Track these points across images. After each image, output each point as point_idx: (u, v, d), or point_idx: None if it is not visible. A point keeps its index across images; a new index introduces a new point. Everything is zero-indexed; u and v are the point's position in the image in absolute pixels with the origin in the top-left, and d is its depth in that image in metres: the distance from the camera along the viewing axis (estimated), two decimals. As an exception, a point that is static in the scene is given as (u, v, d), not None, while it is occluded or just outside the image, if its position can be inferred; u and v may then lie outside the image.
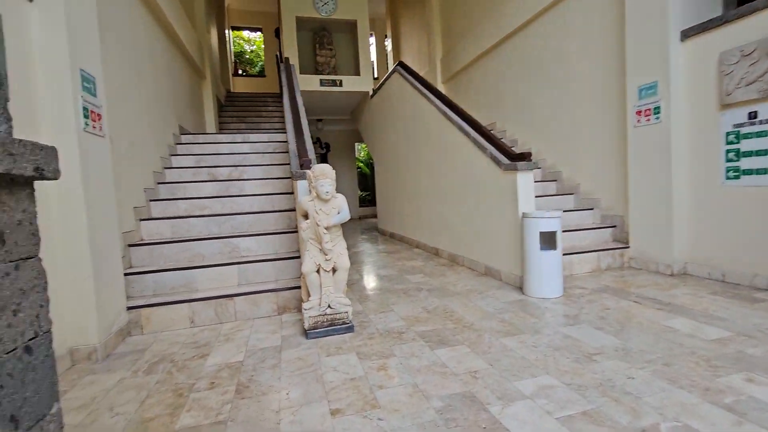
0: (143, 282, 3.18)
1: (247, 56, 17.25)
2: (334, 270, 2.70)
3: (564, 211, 4.45)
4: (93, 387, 2.07)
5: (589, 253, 3.95)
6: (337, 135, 14.00)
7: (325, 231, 2.59)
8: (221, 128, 8.24)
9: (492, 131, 5.54)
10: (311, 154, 3.18)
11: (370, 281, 4.12)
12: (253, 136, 5.87)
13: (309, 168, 2.99)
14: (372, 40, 13.83)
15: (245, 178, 4.82)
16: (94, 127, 2.56)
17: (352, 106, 10.18)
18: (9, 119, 0.83)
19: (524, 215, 3.27)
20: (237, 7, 13.04)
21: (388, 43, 12.32)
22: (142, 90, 4.05)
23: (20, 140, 0.77)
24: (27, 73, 2.21)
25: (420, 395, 1.81)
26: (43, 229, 2.37)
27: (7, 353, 0.74)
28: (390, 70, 11.88)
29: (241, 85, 13.38)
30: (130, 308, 2.88)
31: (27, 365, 0.79)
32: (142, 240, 3.72)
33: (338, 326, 2.64)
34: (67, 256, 2.36)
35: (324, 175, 2.60)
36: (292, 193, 4.46)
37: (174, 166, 4.86)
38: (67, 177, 2.34)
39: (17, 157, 0.76)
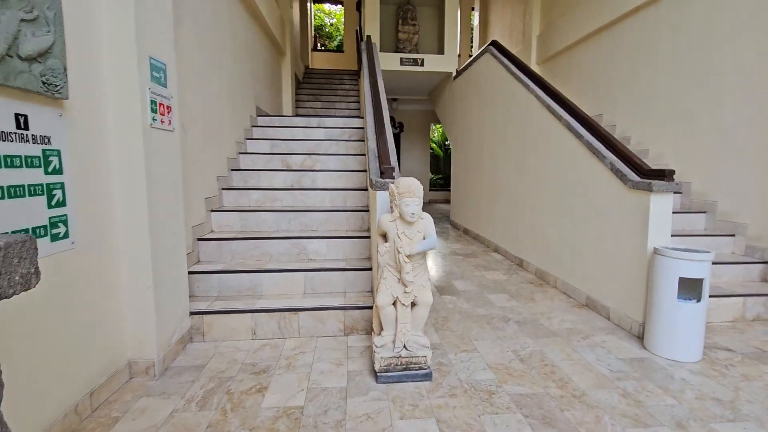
0: (208, 282, 3.02)
1: (327, 30, 17.03)
2: (413, 304, 2.27)
3: (693, 236, 3.57)
4: (142, 420, 1.87)
5: (732, 298, 3.10)
6: (411, 114, 13.41)
7: (406, 260, 2.15)
8: (297, 106, 8.08)
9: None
10: (394, 158, 2.72)
11: (445, 298, 3.66)
12: (328, 121, 5.55)
13: (392, 177, 2.54)
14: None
15: (318, 168, 4.52)
16: (162, 122, 2.33)
17: (431, 86, 9.49)
18: None
19: (656, 251, 2.55)
20: (320, -21, 12.69)
21: (475, 17, 11.25)
22: (221, 71, 3.84)
23: None
24: (94, 63, 1.97)
25: None
26: (105, 234, 2.09)
27: None
28: (477, 47, 10.91)
29: (318, 61, 13.19)
30: (193, 313, 2.72)
31: None
32: (212, 231, 3.59)
33: (414, 371, 2.23)
34: (129, 264, 2.18)
35: (410, 192, 2.14)
36: (366, 189, 4.07)
37: (248, 151, 4.71)
38: (130, 177, 2.12)
39: None
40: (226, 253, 3.32)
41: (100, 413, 1.92)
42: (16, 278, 0.47)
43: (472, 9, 12.15)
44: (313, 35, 13.59)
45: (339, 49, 14.93)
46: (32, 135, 1.59)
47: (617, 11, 5.03)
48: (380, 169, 2.64)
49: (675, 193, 2.67)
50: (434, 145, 16.17)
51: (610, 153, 3.17)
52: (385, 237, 2.32)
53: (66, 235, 1.77)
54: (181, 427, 1.82)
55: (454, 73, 7.84)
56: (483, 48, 6.23)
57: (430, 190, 14.03)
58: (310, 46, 12.13)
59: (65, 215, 1.76)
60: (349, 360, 2.48)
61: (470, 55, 12.99)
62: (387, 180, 2.48)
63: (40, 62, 1.59)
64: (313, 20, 13.74)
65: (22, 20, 1.50)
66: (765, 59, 3.39)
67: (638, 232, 2.83)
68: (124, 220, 2.15)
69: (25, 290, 0.48)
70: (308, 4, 11.44)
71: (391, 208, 2.26)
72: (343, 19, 14.06)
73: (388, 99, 11.99)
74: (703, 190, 4.04)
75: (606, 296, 3.23)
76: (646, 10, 4.65)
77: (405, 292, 2.22)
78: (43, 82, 1.61)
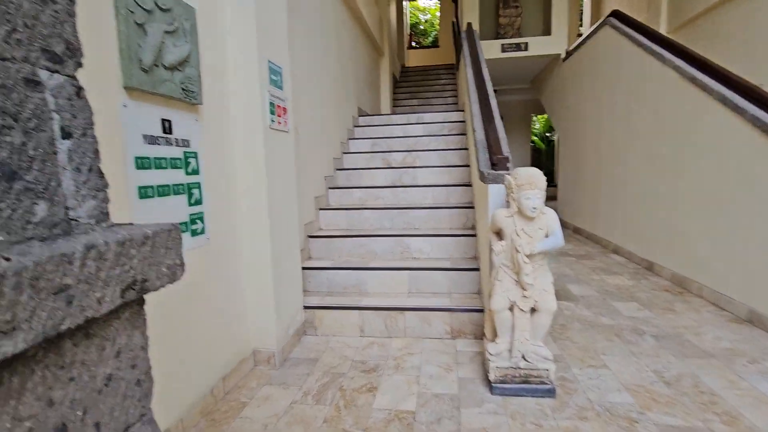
0: (319, 278, 3.13)
1: (422, 27, 16.96)
2: (532, 310, 2.04)
3: None
4: (266, 407, 1.97)
5: None
6: (511, 106, 12.64)
7: (526, 260, 1.93)
8: (395, 105, 8.13)
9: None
10: (506, 148, 2.50)
11: (561, 303, 3.29)
12: (427, 116, 5.45)
13: (506, 169, 2.32)
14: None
15: (418, 165, 4.44)
16: (279, 123, 2.44)
17: (535, 72, 8.80)
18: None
19: None
20: (415, -24, 12.64)
21: (586, -8, 10.12)
22: (327, 74, 3.98)
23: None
24: (221, 70, 2.14)
25: None
26: (232, 230, 2.22)
27: None
28: (589, 24, 9.83)
29: (414, 58, 13.18)
30: (306, 308, 2.83)
31: None
32: (320, 229, 3.73)
33: (534, 386, 2.00)
34: (252, 258, 2.33)
35: (531, 184, 1.92)
36: (469, 185, 3.87)
37: (351, 151, 4.83)
38: (252, 177, 2.26)
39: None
40: (333, 251, 3.42)
41: (230, 397, 2.07)
42: (163, 269, 0.43)
43: (582, -17, 10.98)
44: (408, 33, 13.63)
45: (434, 44, 14.75)
46: (175, 138, 1.76)
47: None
48: (491, 160, 2.44)
49: None
50: (535, 137, 15.09)
51: (788, 132, 2.52)
52: (499, 234, 2.12)
53: (203, 231, 1.93)
54: (299, 419, 1.87)
55: (564, 55, 7.14)
56: (601, 21, 5.53)
57: (531, 185, 13.07)
58: (405, 45, 12.17)
59: (202, 212, 1.93)
60: (458, 366, 2.34)
61: (579, 35, 11.78)
62: (501, 171, 2.28)
63: (180, 70, 1.75)
64: (408, 18, 13.78)
65: (165, 32, 1.66)
66: None
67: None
68: (247, 218, 2.29)
69: (171, 282, 0.44)
70: (404, 2, 11.48)
71: (507, 202, 2.06)
72: (438, 14, 13.85)
73: (485, 91, 11.47)
74: None
75: (781, 312, 2.58)
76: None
77: (524, 296, 2.01)
78: (183, 89, 1.76)
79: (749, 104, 2.83)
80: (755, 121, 2.72)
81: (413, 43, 15.13)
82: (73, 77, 0.43)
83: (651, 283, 3.74)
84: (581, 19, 11.38)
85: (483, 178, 2.37)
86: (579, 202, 6.48)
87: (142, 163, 1.56)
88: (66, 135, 0.41)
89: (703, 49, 5.54)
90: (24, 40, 0.36)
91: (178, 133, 1.77)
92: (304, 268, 3.10)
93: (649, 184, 4.25)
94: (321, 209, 3.76)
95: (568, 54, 6.89)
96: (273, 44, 2.38)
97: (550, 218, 1.97)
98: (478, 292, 2.95)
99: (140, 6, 1.53)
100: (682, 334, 2.64)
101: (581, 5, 11.46)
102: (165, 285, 0.46)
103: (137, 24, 1.52)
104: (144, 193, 1.57)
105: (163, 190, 1.68)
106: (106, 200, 0.44)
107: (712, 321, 2.85)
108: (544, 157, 15.08)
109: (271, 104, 2.35)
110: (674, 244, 3.77)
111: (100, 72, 1.39)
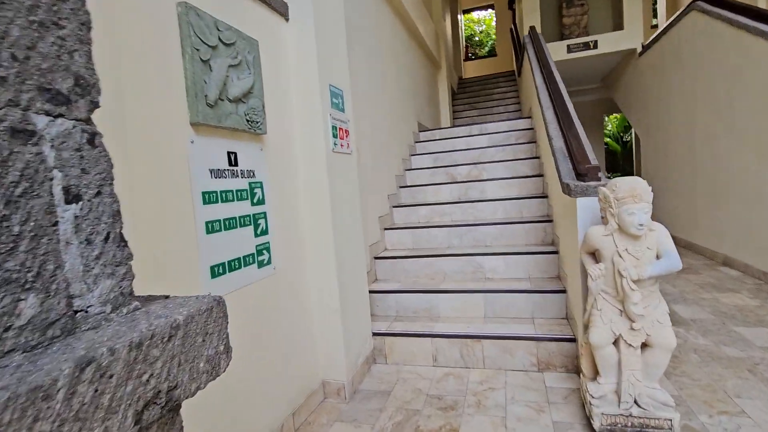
0: (386, 302, 2.99)
1: (477, 38, 16.68)
2: (643, 345, 1.72)
3: None
4: (339, 449, 1.84)
5: None
6: (580, 107, 11.67)
7: (633, 286, 1.63)
8: (454, 117, 7.93)
9: None
10: (593, 156, 2.20)
11: (667, 328, 2.82)
12: (490, 126, 5.18)
13: (597, 179, 2.03)
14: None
15: (485, 178, 4.18)
16: (342, 146, 2.38)
17: (606, 70, 8.12)
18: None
19: None
20: (468, -12, 12.50)
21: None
22: (386, 93, 3.92)
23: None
24: (283, 97, 2.12)
25: None
26: (297, 259, 2.12)
27: None
28: (665, 15, 8.97)
29: (471, 69, 12.92)
30: (375, 334, 2.69)
31: None
32: (386, 249, 3.61)
33: (653, 438, 1.66)
34: (317, 286, 2.25)
35: (636, 196, 1.62)
36: (544, 196, 3.54)
37: (413, 167, 4.70)
38: (316, 202, 2.20)
39: None
40: (399, 272, 3.27)
41: (301, 434, 1.97)
42: (201, 365, 0.30)
43: (654, -31, 10.08)
44: (464, 45, 13.43)
45: (491, 53, 14.38)
46: (240, 170, 1.73)
47: None
48: (577, 170, 2.15)
49: None
50: (609, 139, 13.95)
51: None
52: (594, 255, 1.83)
53: (269, 262, 1.89)
54: (374, 465, 1.71)
55: (640, 49, 6.50)
56: (684, 8, 4.94)
57: (608, 191, 12.02)
58: (462, 57, 11.98)
59: (268, 242, 1.88)
60: (551, 406, 2.04)
61: (653, 26, 10.77)
62: (591, 183, 1.99)
63: (244, 102, 1.73)
64: (463, 31, 13.61)
65: (230, 66, 1.65)
66: None
67: None
68: (312, 245, 2.23)
69: (212, 379, 0.31)
70: (458, 16, 11.35)
71: (603, 218, 1.77)
72: (494, 23, 13.52)
73: (550, 95, 10.84)
74: None
75: None
76: None
77: (632, 328, 1.69)
78: (247, 120, 1.74)
79: None
80: None
81: (470, 55, 14.88)
82: (87, 120, 0.33)
83: (781, 303, 3.11)
84: (655, 13, 10.42)
85: (568, 190, 2.09)
86: (670, 207, 5.74)
87: (209, 198, 1.54)
88: (72, 198, 0.31)
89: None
90: (11, 78, 0.26)
91: (243, 164, 1.75)
92: (370, 292, 2.98)
93: (762, 183, 3.60)
94: (386, 229, 3.64)
95: (645, 48, 6.26)
96: (333, 68, 2.34)
97: (661, 235, 1.66)
98: (567, 317, 2.62)
99: (205, 43, 1.53)
100: (842, 372, 2.09)
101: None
102: (203, 386, 0.33)
103: (202, 60, 1.52)
104: (211, 227, 1.54)
105: (230, 223, 1.65)
106: (129, 276, 0.33)
107: None
108: (621, 160, 13.87)
109: (333, 127, 2.29)
110: (810, 255, 3.11)
111: (168, 111, 1.39)
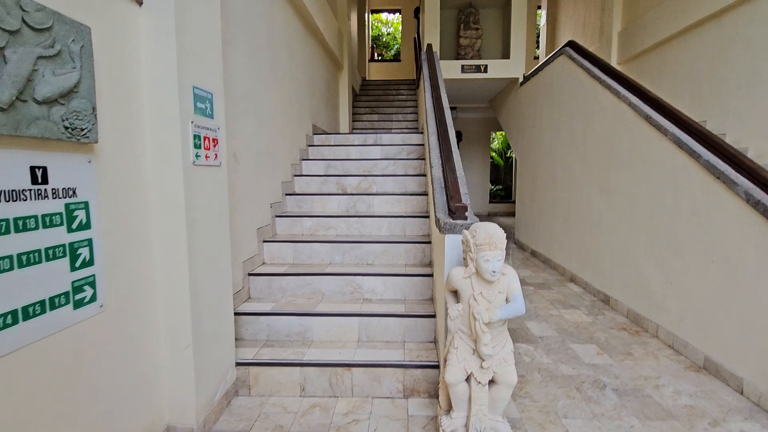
0: (257, 325, 2.77)
1: (384, 39, 16.92)
2: (491, 382, 1.82)
3: None
4: None
5: None
6: (470, 123, 12.79)
7: (484, 328, 1.71)
8: (354, 119, 7.89)
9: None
10: (465, 191, 2.29)
11: (520, 347, 3.13)
12: (385, 137, 5.23)
13: (464, 218, 2.10)
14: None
15: (374, 191, 4.19)
16: (207, 157, 2.10)
17: (494, 93, 8.88)
18: None
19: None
20: (378, -11, 12.57)
21: (543, 16, 10.42)
22: (276, 91, 3.65)
23: None
24: (130, 99, 1.77)
25: None
26: (140, 292, 1.78)
27: None
28: (544, 49, 10.12)
29: (376, 71, 13.05)
30: (239, 364, 2.47)
31: None
32: (264, 264, 3.37)
33: (493, 470, 1.77)
34: (166, 321, 1.95)
35: (491, 244, 1.70)
36: (427, 216, 3.66)
37: (304, 173, 4.50)
38: (169, 222, 1.90)
39: None
40: (276, 290, 3.07)
41: (127, 500, 1.68)
42: None
43: (539, 8, 11.34)
44: (370, 45, 13.49)
45: (396, 58, 14.72)
46: (53, 189, 1.38)
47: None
48: (449, 207, 2.22)
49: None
50: (494, 153, 15.36)
51: (743, 179, 2.49)
52: (456, 294, 1.89)
53: (93, 299, 1.55)
54: None
55: (521, 79, 7.21)
56: (557, 50, 5.58)
57: (490, 201, 13.28)
58: (367, 57, 12.01)
59: (92, 276, 1.55)
60: (410, 437, 2.08)
61: (535, 57, 12.12)
62: (458, 221, 2.06)
63: (62, 104, 1.38)
64: (370, 30, 13.65)
65: (40, 57, 1.30)
66: None
67: (795, 290, 2.14)
68: (162, 272, 1.92)
69: None
70: (366, 15, 11.32)
71: (465, 260, 1.84)
72: (400, 28, 13.83)
73: (446, 108, 11.50)
74: None
75: (736, 362, 2.53)
76: (774, -3, 3.78)
77: (482, 367, 1.78)
78: (66, 127, 1.40)
79: (704, 150, 2.81)
80: (710, 168, 2.69)
81: (376, 56, 15.02)
82: None
83: (608, 320, 3.68)
84: (538, 44, 11.73)
85: (439, 226, 2.14)
86: (535, 225, 6.49)
87: (-9, 230, 1.18)
88: None
89: (652, 82, 5.74)
90: None
91: (57, 181, 1.40)
92: (240, 313, 2.74)
93: (602, 213, 4.24)
94: (265, 241, 3.40)
95: (526, 78, 6.95)
96: (200, 66, 2.05)
97: (511, 280, 1.77)
98: (434, 341, 2.72)
99: (-1, 23, 1.16)
100: (642, 388, 2.52)
101: (538, 30, 11.83)
102: None
103: (-8, 46, 1.15)
104: (-8, 269, 1.19)
105: (30, 258, 1.30)
106: None
107: (670, 369, 2.77)
108: (503, 173, 15.38)
109: (197, 136, 2.00)
110: (629, 278, 3.74)
111: None
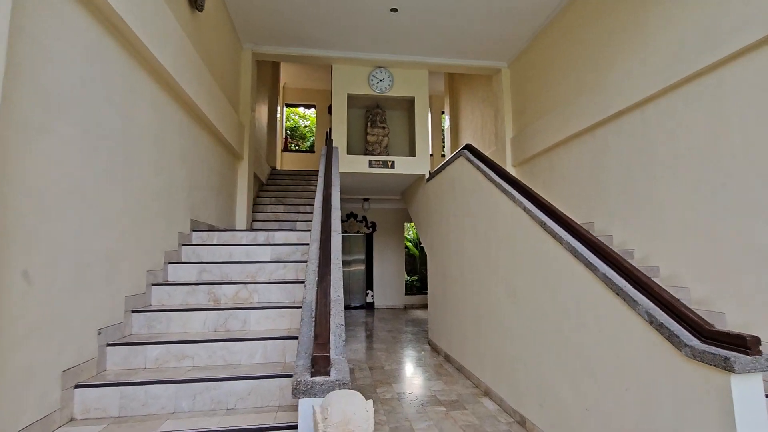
0: None
1: (300, 131, 17.28)
2: None
3: None
4: None
5: None
6: (384, 213, 12.87)
7: None
8: (257, 210, 7.27)
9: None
10: (337, 328, 1.73)
11: None
12: (278, 235, 4.65)
13: (326, 374, 1.50)
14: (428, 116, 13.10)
15: (254, 304, 3.47)
16: None
17: (403, 186, 9.02)
18: None
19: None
20: (292, 86, 12.98)
21: (446, 120, 11.39)
22: (127, 186, 2.96)
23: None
24: None
25: None
26: None
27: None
28: (450, 149, 10.83)
29: (289, 161, 12.92)
30: None
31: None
32: (72, 421, 2.35)
33: None
34: None
35: (347, 428, 1.11)
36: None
37: (168, 281, 3.65)
38: None
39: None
40: (73, 471, 2.07)
41: None
42: None
43: (443, 113, 12.44)
44: (284, 136, 13.52)
45: (311, 149, 14.90)
46: None
47: (604, 111, 4.63)
48: (312, 358, 1.61)
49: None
50: (409, 244, 15.48)
51: (644, 298, 2.30)
52: None
53: None
54: None
55: (427, 175, 7.36)
56: (456, 152, 5.75)
57: (406, 293, 12.93)
58: (279, 147, 11.87)
59: None
60: None
61: (443, 155, 13.01)
62: (317, 379, 1.45)
63: None
64: (284, 122, 13.79)
65: None
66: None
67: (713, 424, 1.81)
68: None
69: None
70: (278, 107, 11.40)
71: (316, 452, 1.20)
72: (317, 121, 14.20)
73: (359, 199, 11.48)
74: (743, 322, 3.17)
75: None
76: (645, 109, 4.18)
77: None
78: None
79: (600, 262, 2.66)
80: (608, 282, 2.50)
81: (291, 146, 15.06)
82: None
83: (527, 453, 3.14)
84: (444, 143, 12.67)
85: (294, 387, 1.51)
86: (448, 325, 6.08)
87: None
88: None
89: (545, 183, 6.09)
90: None
91: None
92: None
93: (511, 321, 3.94)
94: (79, 386, 2.41)
95: (432, 175, 7.09)
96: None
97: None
98: None
99: None
100: None
101: (443, 132, 12.85)
102: None
103: None
104: None
105: None
106: None
107: None
108: (419, 264, 15.37)
109: None
110: (546, 399, 3.32)
111: None
